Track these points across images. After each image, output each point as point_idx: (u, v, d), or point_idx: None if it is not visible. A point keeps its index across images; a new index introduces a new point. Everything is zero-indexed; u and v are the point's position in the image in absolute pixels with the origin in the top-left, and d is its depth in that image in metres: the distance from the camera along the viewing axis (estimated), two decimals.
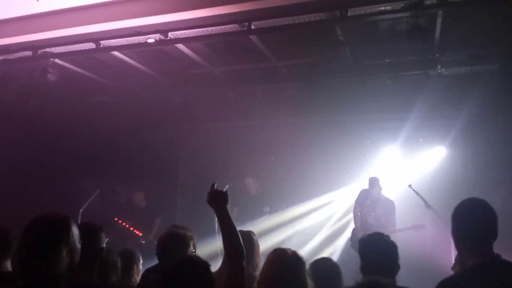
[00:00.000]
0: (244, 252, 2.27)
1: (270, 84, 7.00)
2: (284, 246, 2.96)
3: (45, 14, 5.22)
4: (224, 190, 2.44)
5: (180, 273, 2.07)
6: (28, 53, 5.93)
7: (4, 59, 6.11)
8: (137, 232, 7.54)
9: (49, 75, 6.04)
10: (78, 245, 1.90)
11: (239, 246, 2.26)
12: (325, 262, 3.29)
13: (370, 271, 2.64)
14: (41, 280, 1.77)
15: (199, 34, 5.22)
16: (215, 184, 2.46)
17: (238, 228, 3.55)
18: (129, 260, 3.54)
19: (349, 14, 4.60)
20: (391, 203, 6.60)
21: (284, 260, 2.68)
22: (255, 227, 6.31)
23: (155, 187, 8.10)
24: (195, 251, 3.07)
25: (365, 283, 2.36)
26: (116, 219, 7.46)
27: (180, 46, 5.65)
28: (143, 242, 7.13)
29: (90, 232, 2.38)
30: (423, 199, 5.90)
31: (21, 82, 6.56)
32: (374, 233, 3.04)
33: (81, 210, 6.45)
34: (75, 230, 1.92)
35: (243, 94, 7.42)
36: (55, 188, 7.05)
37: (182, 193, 8.78)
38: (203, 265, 2.14)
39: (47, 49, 5.87)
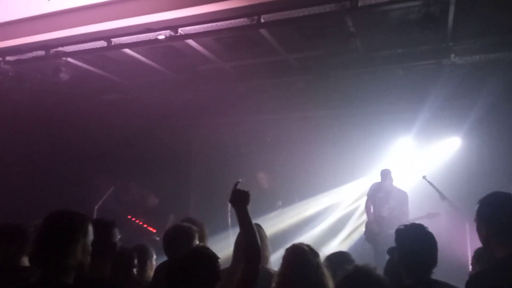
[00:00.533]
0: (261, 254, 2.28)
1: (281, 77, 6.97)
2: (297, 240, 2.95)
3: (56, 13, 5.27)
4: (246, 190, 2.44)
5: (184, 264, 2.06)
6: (41, 52, 5.99)
7: (17, 59, 6.20)
8: (150, 229, 7.61)
9: (61, 74, 6.11)
10: (90, 246, 1.93)
11: (256, 248, 2.26)
12: (341, 256, 3.26)
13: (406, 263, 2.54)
14: (53, 272, 1.80)
15: (209, 29, 5.21)
16: (238, 183, 2.48)
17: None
18: (143, 256, 3.57)
19: (359, 4, 4.53)
20: (404, 194, 6.56)
21: (305, 257, 2.66)
22: (267, 221, 6.31)
23: (168, 184, 8.17)
24: (202, 244, 3.07)
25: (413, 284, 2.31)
26: (129, 217, 7.54)
27: (190, 41, 5.64)
28: (158, 238, 7.19)
29: (103, 227, 2.40)
30: (438, 190, 5.83)
31: (34, 81, 6.64)
32: (413, 223, 2.84)
33: (96, 207, 6.53)
34: (90, 230, 1.96)
35: (253, 88, 7.40)
36: (70, 185, 7.15)
37: (195, 188, 8.82)
38: (208, 256, 2.12)
39: (59, 48, 5.92)
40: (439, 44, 5.63)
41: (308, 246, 2.76)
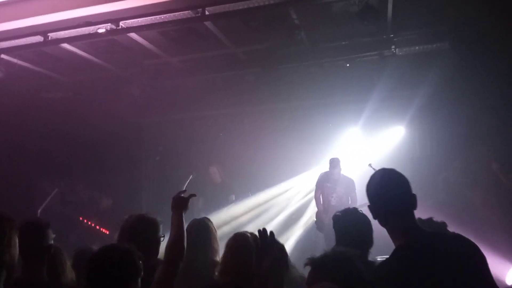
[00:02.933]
0: (184, 253, 2.36)
1: (229, 71, 6.94)
2: (250, 230, 2.95)
3: None
4: (187, 197, 2.52)
5: (102, 258, 1.99)
6: None
7: None
8: (103, 231, 7.37)
9: None
10: (15, 239, 1.80)
11: (182, 247, 2.36)
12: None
13: (344, 245, 2.62)
14: None
15: (152, 22, 5.08)
16: (183, 192, 2.57)
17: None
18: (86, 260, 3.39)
19: None
20: (351, 181, 6.75)
21: (246, 245, 2.67)
22: (220, 216, 6.30)
23: (119, 184, 7.93)
24: (163, 237, 2.97)
25: (331, 254, 2.34)
26: (81, 218, 7.26)
27: (133, 35, 5.49)
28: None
29: (35, 229, 2.28)
30: None
31: None
32: (347, 208, 3.02)
33: (39, 211, 6.22)
34: (7, 223, 1.83)
35: (203, 83, 7.33)
36: (11, 189, 6.76)
37: (147, 187, 8.63)
38: (126, 251, 2.05)
39: None
40: (380, 35, 5.82)
41: (251, 233, 2.76)
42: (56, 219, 6.71)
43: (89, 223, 7.37)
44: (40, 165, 7.49)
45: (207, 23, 5.30)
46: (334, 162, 6.68)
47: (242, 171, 7.77)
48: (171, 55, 6.40)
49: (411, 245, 1.87)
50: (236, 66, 6.77)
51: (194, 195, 2.61)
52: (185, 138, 7.94)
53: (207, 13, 4.94)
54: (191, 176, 6.45)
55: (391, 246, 1.99)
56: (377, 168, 6.21)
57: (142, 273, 2.02)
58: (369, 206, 2.05)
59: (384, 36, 5.87)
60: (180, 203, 2.48)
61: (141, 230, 2.66)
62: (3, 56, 5.75)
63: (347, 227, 2.75)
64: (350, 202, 6.55)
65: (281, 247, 2.05)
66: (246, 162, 7.78)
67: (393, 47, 5.98)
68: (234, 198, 7.14)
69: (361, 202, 6.58)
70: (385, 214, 1.97)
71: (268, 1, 4.79)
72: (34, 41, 5.42)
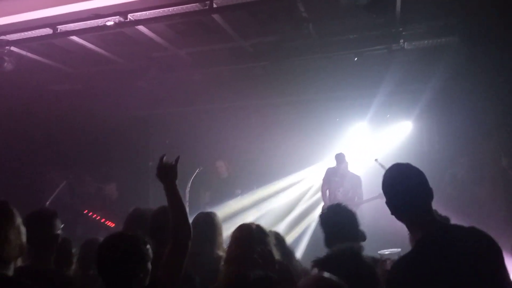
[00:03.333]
0: (191, 232, 2.15)
1: (237, 64, 6.94)
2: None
3: None
4: (174, 162, 2.24)
5: (110, 246, 2.04)
6: None
7: None
8: (109, 224, 7.41)
9: (5, 64, 5.79)
10: (23, 227, 1.85)
11: (186, 225, 2.14)
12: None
13: (334, 242, 2.66)
14: None
15: (160, 15, 5.08)
16: (164, 157, 2.26)
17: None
18: (93, 251, 3.41)
19: None
20: (357, 178, 6.77)
21: (251, 235, 2.69)
22: (226, 209, 6.32)
23: (126, 176, 7.98)
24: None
25: (337, 252, 2.37)
26: (86, 211, 7.30)
27: (142, 28, 5.49)
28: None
29: (42, 219, 2.31)
30: None
31: None
32: (331, 205, 3.07)
33: (47, 203, 6.28)
34: (16, 212, 1.89)
35: (210, 76, 7.33)
36: (20, 180, 6.83)
37: (154, 180, 8.65)
38: (135, 238, 2.09)
39: (2, 37, 5.62)
40: (389, 29, 5.78)
41: (257, 225, 2.78)
42: (64, 211, 6.80)
43: (95, 216, 7.41)
44: (49, 156, 7.55)
45: (215, 16, 5.29)
46: (340, 157, 6.69)
47: (249, 165, 7.78)
48: (179, 47, 6.41)
49: (430, 238, 1.87)
50: (244, 59, 6.76)
51: (178, 158, 2.27)
52: (191, 132, 7.96)
53: (214, 5, 4.93)
54: (197, 170, 6.48)
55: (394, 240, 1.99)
56: (384, 163, 6.25)
57: (151, 257, 2.05)
58: (386, 202, 2.04)
59: (393, 30, 5.83)
60: (166, 171, 2.20)
61: (138, 224, 2.78)
62: (12, 48, 5.79)
63: (336, 224, 2.77)
64: (356, 198, 6.56)
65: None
66: (253, 156, 7.80)
67: (401, 40, 5.93)
68: (240, 192, 7.16)
69: (367, 197, 6.60)
70: (402, 208, 1.97)
71: None
72: (43, 34, 5.45)
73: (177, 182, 2.26)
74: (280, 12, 5.39)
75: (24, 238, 1.83)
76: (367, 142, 7.43)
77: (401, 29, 5.84)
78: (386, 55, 6.33)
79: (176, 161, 2.26)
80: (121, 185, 7.87)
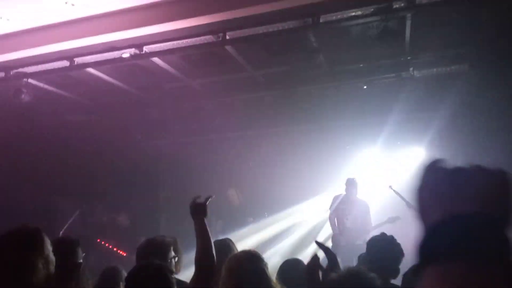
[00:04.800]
0: (215, 261, 2.33)
1: (248, 94, 7.05)
2: (266, 253, 2.92)
3: (17, 33, 5.15)
4: (204, 202, 2.52)
5: (136, 278, 2.12)
6: (1, 74, 5.84)
7: None
8: (121, 252, 7.39)
9: (23, 96, 5.93)
10: (52, 256, 1.87)
11: (211, 256, 2.34)
12: (296, 264, 3.25)
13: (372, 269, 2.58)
14: None
15: (174, 47, 5.22)
16: (198, 197, 2.55)
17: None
18: (113, 279, 3.38)
19: (321, 20, 4.68)
20: (365, 204, 6.69)
21: (245, 264, 2.55)
22: (239, 238, 6.25)
23: (137, 205, 8.00)
24: (176, 257, 3.00)
25: (346, 274, 2.32)
26: (98, 240, 7.30)
27: (156, 59, 5.64)
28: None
29: (65, 247, 2.32)
30: (404, 199, 5.96)
31: None
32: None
33: (61, 232, 6.29)
34: (47, 240, 1.91)
35: (221, 105, 7.44)
36: (34, 209, 6.88)
37: (165, 208, 8.67)
38: (159, 267, 2.17)
39: (20, 70, 5.79)
40: (398, 58, 5.87)
41: (250, 253, 2.63)
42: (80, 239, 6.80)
43: (107, 245, 7.40)
44: (62, 186, 7.61)
45: (227, 47, 5.42)
46: (350, 183, 6.62)
47: (260, 193, 7.76)
48: (192, 78, 6.54)
49: None
50: (255, 89, 6.88)
51: (210, 196, 2.60)
52: (203, 160, 8.00)
53: (227, 37, 5.06)
54: (209, 199, 6.47)
55: None
56: (399, 190, 6.18)
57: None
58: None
59: (402, 58, 5.91)
60: (198, 209, 2.48)
61: (150, 253, 2.77)
62: (30, 80, 5.95)
63: (382, 253, 2.74)
64: (365, 224, 6.46)
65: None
66: (264, 184, 7.78)
67: (411, 69, 6.01)
68: (252, 220, 7.12)
69: (375, 223, 6.53)
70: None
71: (287, 25, 4.90)
72: (60, 66, 5.61)
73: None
74: (291, 43, 5.50)
75: (52, 267, 1.84)
76: (379, 169, 7.40)
77: (410, 57, 5.92)
78: (395, 83, 6.40)
79: (207, 200, 2.53)
80: (132, 214, 7.89)
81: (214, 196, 6.63)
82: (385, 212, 6.59)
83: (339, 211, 6.70)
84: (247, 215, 7.19)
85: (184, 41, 5.14)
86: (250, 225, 7.04)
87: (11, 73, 5.84)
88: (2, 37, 5.26)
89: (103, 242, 7.24)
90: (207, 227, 2.44)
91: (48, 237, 2.42)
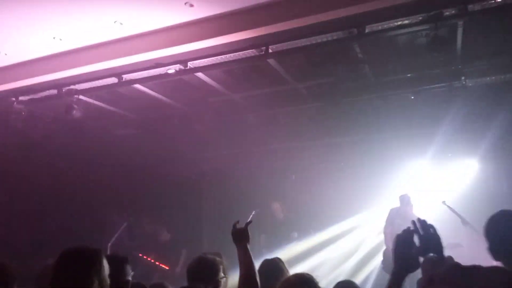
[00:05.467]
0: (258, 285, 2.34)
1: (291, 106, 6.98)
2: (314, 273, 2.80)
3: (68, 52, 5.37)
4: (244, 227, 2.53)
5: None
6: (53, 91, 6.09)
7: (30, 99, 6.30)
8: (163, 266, 7.43)
9: (74, 112, 6.16)
10: (107, 278, 1.92)
11: (255, 280, 2.35)
12: (349, 285, 3.12)
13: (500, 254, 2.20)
14: None
15: (217, 62, 5.25)
16: (238, 223, 2.58)
17: (266, 256, 3.45)
18: None
19: (366, 31, 4.55)
20: None
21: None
22: (283, 254, 6.15)
23: (180, 218, 8.07)
24: (225, 277, 2.97)
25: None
26: (140, 255, 7.37)
27: (199, 74, 5.70)
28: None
29: (115, 264, 2.33)
30: (459, 215, 5.67)
31: (47, 120, 6.72)
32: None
33: (109, 244, 6.44)
34: (105, 263, 1.97)
35: (264, 118, 7.41)
36: (83, 220, 7.11)
37: (208, 222, 8.71)
38: None
39: (71, 87, 6.03)
40: (449, 67, 5.62)
41: (303, 277, 2.51)
42: (123, 252, 6.94)
43: (149, 258, 7.46)
44: (109, 198, 7.83)
45: (270, 60, 5.40)
46: (405, 199, 6.36)
47: (305, 207, 7.61)
48: (234, 91, 6.57)
49: None
50: (298, 101, 6.80)
51: (249, 222, 2.60)
52: (247, 173, 7.98)
53: (270, 50, 5.04)
54: (253, 212, 6.43)
55: None
56: (452, 205, 5.89)
57: None
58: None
59: (453, 67, 5.66)
60: (239, 235, 2.48)
61: (201, 272, 2.80)
62: (80, 96, 6.19)
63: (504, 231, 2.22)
64: None
65: None
66: (309, 197, 7.64)
67: (463, 78, 5.73)
68: (296, 235, 6.98)
69: None
70: (505, 251, 2.02)
71: (331, 37, 4.80)
72: (109, 83, 5.79)
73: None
74: (335, 54, 5.40)
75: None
76: (429, 182, 7.08)
77: (461, 66, 5.66)
78: (446, 93, 6.12)
79: (247, 225, 2.55)
80: (174, 227, 7.94)
81: (258, 210, 6.57)
82: (442, 231, 6.25)
83: (395, 226, 6.42)
84: (292, 229, 7.05)
85: (227, 55, 5.17)
86: (295, 240, 6.90)
87: (63, 90, 6.09)
88: (55, 56, 5.49)
89: (145, 256, 7.31)
90: (250, 252, 2.45)
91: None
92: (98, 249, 2.01)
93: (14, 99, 6.28)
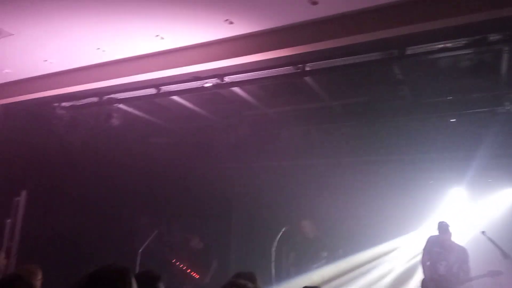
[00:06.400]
0: None
1: (325, 123, 6.91)
2: None
3: (110, 63, 5.53)
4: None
5: None
6: (94, 99, 6.31)
7: (72, 105, 6.55)
8: (194, 275, 7.48)
9: (113, 120, 6.35)
10: None
11: None
12: None
13: None
14: None
15: (254, 77, 5.29)
16: None
17: (294, 275, 3.37)
18: None
19: (407, 52, 4.47)
20: (463, 250, 6.05)
21: None
22: (313, 275, 6.04)
23: (209, 228, 8.11)
24: None
25: None
26: (173, 261, 7.46)
27: (235, 88, 5.75)
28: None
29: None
30: (499, 248, 5.38)
31: (87, 126, 6.94)
32: None
33: (140, 251, 6.55)
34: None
35: (297, 133, 7.38)
36: (118, 224, 7.26)
37: (236, 234, 8.71)
38: None
39: (112, 95, 6.23)
40: (492, 91, 5.42)
41: None
42: (153, 259, 7.05)
43: (181, 265, 7.54)
44: (142, 205, 7.97)
45: (306, 78, 5.38)
46: (443, 227, 6.07)
47: (336, 226, 7.46)
48: (268, 106, 6.59)
49: None
50: (332, 119, 6.73)
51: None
52: (277, 187, 7.93)
53: (307, 68, 5.03)
54: (283, 229, 6.38)
55: None
56: (492, 236, 5.64)
57: None
58: None
59: (496, 92, 5.45)
60: None
61: None
62: (120, 105, 6.37)
63: None
64: (462, 273, 5.86)
65: None
66: (340, 217, 7.49)
67: (507, 103, 5.51)
68: (326, 255, 6.84)
69: (473, 274, 5.93)
70: None
71: (370, 57, 4.74)
72: (147, 93, 5.94)
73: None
74: (373, 74, 5.32)
75: None
76: (467, 209, 6.81)
77: (505, 91, 5.44)
78: (488, 118, 5.90)
79: None
80: (205, 237, 7.99)
81: (288, 227, 6.50)
82: (479, 261, 6.00)
83: (434, 254, 6.13)
84: (321, 249, 6.91)
85: (264, 71, 5.19)
86: (324, 260, 6.76)
87: (104, 98, 6.29)
88: (98, 66, 5.68)
89: (177, 263, 7.40)
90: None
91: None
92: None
93: (57, 104, 6.54)
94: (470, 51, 4.33)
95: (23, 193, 6.37)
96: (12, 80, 6.17)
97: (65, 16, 4.48)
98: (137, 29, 4.70)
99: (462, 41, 4.22)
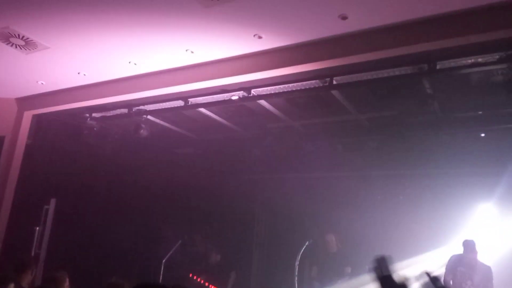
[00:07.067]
0: None
1: (351, 137, 6.87)
2: None
3: (140, 76, 5.68)
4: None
5: None
6: (124, 110, 6.47)
7: (102, 116, 6.73)
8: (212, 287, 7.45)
9: (142, 131, 6.49)
10: None
11: None
12: None
13: None
14: None
15: (281, 91, 5.32)
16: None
17: None
18: None
19: (438, 67, 4.42)
20: (488, 269, 5.89)
21: None
22: None
23: (231, 239, 8.11)
24: None
25: None
26: (190, 275, 7.44)
27: (261, 101, 5.79)
28: None
29: None
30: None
31: (116, 136, 7.10)
32: None
33: (164, 260, 6.61)
34: None
35: (322, 146, 7.34)
36: (143, 233, 7.35)
37: (259, 245, 8.68)
38: None
39: (141, 107, 6.37)
40: None
41: None
42: (176, 269, 7.10)
43: (199, 279, 7.50)
44: (167, 214, 8.05)
45: (333, 91, 5.38)
46: (470, 246, 5.93)
47: (361, 241, 7.34)
48: (294, 119, 6.60)
49: None
50: (359, 132, 6.69)
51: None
52: (302, 200, 7.89)
53: (334, 82, 5.03)
54: (307, 243, 6.33)
55: None
56: None
57: None
58: None
59: None
60: None
61: None
62: (149, 117, 6.50)
63: None
64: None
65: None
66: (365, 231, 7.37)
67: None
68: (350, 271, 6.74)
69: None
70: None
71: (399, 72, 4.71)
72: (176, 105, 6.05)
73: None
74: (402, 88, 5.27)
75: None
76: (496, 226, 6.62)
77: None
78: None
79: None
80: (225, 249, 7.96)
81: (311, 240, 6.43)
82: (507, 281, 5.83)
83: (458, 274, 5.97)
84: (345, 264, 6.82)
85: (291, 85, 5.21)
86: (348, 276, 6.65)
87: (133, 110, 6.43)
88: (129, 78, 5.83)
89: (195, 277, 7.38)
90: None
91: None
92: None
93: (88, 115, 6.72)
94: (502, 66, 4.25)
95: (52, 201, 6.52)
96: (46, 91, 6.39)
97: (99, 31, 4.63)
98: (167, 43, 4.82)
99: (495, 56, 4.16)
